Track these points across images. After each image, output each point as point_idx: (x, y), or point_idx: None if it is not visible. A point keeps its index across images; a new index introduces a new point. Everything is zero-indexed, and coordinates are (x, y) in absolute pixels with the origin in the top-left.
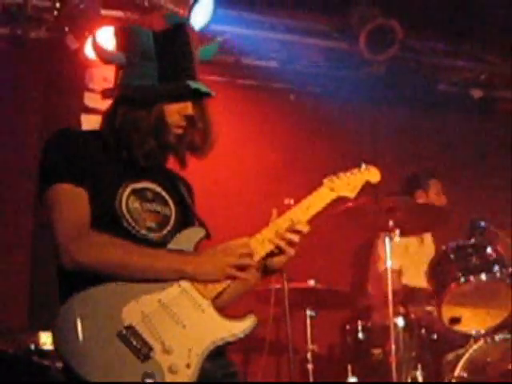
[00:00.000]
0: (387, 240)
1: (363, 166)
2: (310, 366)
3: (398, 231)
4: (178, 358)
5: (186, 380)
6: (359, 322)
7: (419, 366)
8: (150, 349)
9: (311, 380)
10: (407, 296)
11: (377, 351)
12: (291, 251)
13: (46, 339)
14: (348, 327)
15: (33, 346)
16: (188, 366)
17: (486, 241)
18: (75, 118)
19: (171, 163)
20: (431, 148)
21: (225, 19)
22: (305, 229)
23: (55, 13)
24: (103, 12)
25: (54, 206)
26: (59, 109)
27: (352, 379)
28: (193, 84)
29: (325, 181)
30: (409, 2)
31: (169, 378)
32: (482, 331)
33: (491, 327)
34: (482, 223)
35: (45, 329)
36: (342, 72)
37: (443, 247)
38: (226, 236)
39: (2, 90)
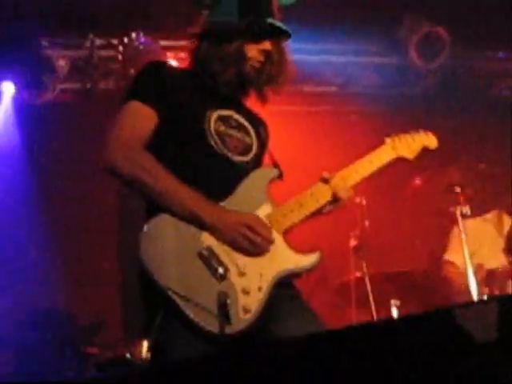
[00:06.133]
0: (460, 220)
1: (421, 131)
2: None
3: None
4: (251, 281)
5: (256, 301)
6: None
7: None
8: (227, 270)
9: None
10: (487, 278)
11: None
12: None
13: (140, 348)
14: None
15: (128, 355)
16: (259, 288)
17: None
18: None
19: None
20: (496, 151)
21: None
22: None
23: (119, 57)
24: (162, 43)
25: (118, 118)
26: None
27: None
28: (272, 21)
29: (387, 139)
30: (454, 11)
31: (241, 298)
32: None
33: None
34: None
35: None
36: (398, 88)
37: None
38: None
39: (77, 142)
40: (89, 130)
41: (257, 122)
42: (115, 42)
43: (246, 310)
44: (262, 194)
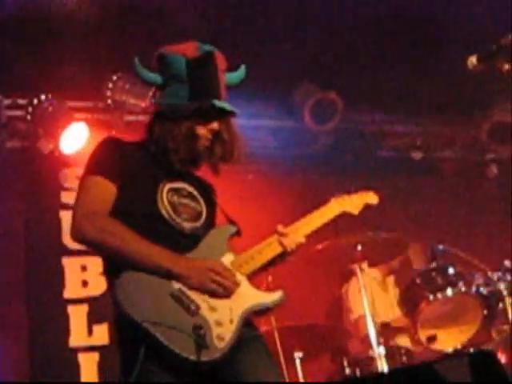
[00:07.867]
0: (359, 274)
1: (363, 191)
2: None
3: (366, 263)
4: (222, 315)
5: (229, 331)
6: (344, 359)
7: None
8: (198, 306)
9: None
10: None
11: None
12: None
13: None
14: (335, 366)
15: None
16: (231, 321)
17: (446, 262)
18: (55, 217)
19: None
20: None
21: None
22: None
23: (28, 117)
24: (70, 104)
25: (81, 191)
26: (39, 210)
27: None
28: (218, 103)
29: (332, 199)
30: (344, 78)
31: (215, 328)
32: (459, 347)
33: (464, 342)
34: (441, 247)
35: None
36: (292, 149)
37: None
38: None
39: None
40: None
41: (205, 189)
42: (24, 102)
43: (221, 338)
44: (223, 246)
